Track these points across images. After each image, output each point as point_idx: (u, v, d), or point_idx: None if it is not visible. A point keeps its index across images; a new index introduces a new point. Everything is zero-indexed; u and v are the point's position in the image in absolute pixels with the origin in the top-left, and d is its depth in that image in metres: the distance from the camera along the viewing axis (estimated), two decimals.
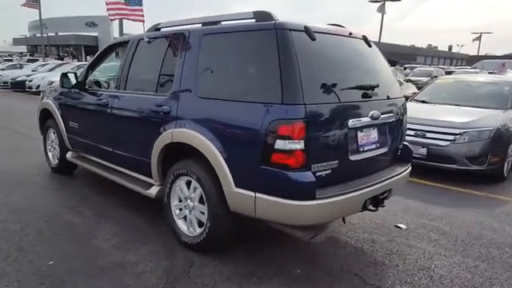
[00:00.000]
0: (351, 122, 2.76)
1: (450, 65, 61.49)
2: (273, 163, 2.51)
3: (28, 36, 57.83)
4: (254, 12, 2.89)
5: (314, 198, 2.49)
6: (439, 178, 5.49)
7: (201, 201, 3.02)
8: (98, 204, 4.14)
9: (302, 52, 2.58)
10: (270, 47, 2.59)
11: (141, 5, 10.67)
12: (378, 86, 3.00)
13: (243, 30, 2.89)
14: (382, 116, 3.05)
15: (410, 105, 6.97)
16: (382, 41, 30.59)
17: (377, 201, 2.97)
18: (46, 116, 5.13)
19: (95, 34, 49.30)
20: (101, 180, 4.39)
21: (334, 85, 2.73)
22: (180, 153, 3.16)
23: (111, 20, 10.89)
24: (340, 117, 2.71)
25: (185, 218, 3.21)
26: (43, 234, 3.37)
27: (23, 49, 60.62)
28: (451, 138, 5.42)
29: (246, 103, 2.68)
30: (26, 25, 55.88)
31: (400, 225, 3.90)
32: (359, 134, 2.90)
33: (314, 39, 2.70)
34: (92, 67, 4.44)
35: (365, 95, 2.93)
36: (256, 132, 2.57)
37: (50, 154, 5.28)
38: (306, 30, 2.70)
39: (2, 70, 21.59)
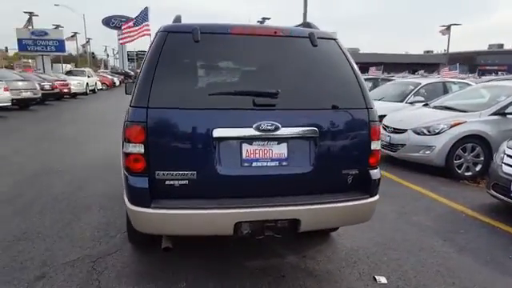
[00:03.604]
0: (218, 132, 2.42)
1: None
2: (124, 166, 2.51)
3: None
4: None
5: (147, 206, 2.35)
6: None
7: None
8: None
9: (169, 55, 2.49)
10: (149, 50, 2.62)
11: (147, 20, 11.40)
12: (277, 92, 2.47)
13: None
14: (295, 130, 2.54)
15: None
16: None
17: (260, 228, 2.45)
18: None
19: None
20: None
21: (202, 89, 2.50)
22: None
23: (122, 44, 12.32)
24: (200, 124, 2.43)
25: None
26: (59, 214, 4.15)
27: None
28: None
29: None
30: None
31: (380, 277, 2.98)
32: (245, 146, 2.49)
33: (196, 41, 2.54)
34: None
35: (255, 102, 2.46)
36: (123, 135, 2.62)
37: None
38: (192, 31, 2.56)
39: None
